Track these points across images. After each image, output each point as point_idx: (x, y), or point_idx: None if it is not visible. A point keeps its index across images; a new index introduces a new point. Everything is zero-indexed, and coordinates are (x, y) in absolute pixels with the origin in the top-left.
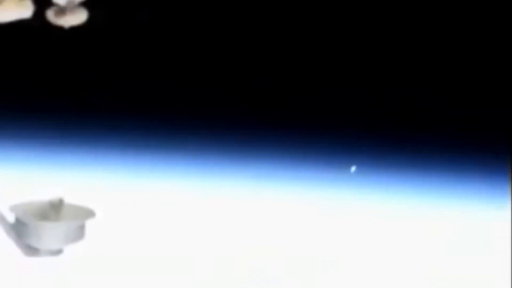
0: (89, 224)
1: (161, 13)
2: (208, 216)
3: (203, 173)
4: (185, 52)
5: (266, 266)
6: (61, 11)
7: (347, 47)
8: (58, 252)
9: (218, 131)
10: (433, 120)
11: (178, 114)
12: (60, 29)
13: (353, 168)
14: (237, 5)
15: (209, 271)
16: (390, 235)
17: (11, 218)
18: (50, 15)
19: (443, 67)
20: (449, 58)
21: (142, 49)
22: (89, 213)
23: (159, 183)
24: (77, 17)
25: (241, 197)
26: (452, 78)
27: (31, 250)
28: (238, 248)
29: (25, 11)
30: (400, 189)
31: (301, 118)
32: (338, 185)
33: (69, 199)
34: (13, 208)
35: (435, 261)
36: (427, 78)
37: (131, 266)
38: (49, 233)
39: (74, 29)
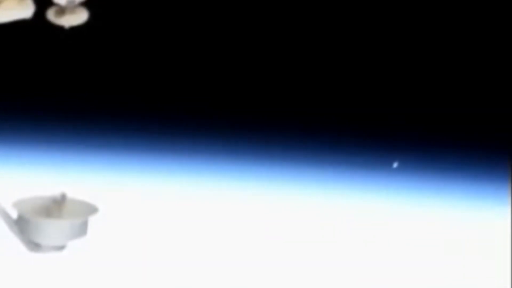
0: (92, 220)
1: (162, 13)
2: (211, 213)
3: (207, 171)
4: (186, 52)
5: (267, 266)
6: (62, 11)
7: (348, 47)
8: (61, 248)
9: (223, 130)
10: (433, 120)
11: (180, 112)
12: (60, 29)
13: (395, 164)
14: (237, 5)
15: (211, 269)
16: (390, 234)
17: (14, 214)
18: (51, 15)
19: (443, 67)
20: (449, 58)
21: (143, 49)
22: (92, 209)
23: (162, 180)
24: (78, 17)
25: (246, 197)
26: (452, 78)
27: (34, 246)
28: (239, 248)
29: (26, 11)
30: (400, 189)
31: (299, 118)
32: (337, 185)
33: (71, 195)
34: (15, 204)
35: (435, 261)
36: (427, 78)
37: (134, 262)
38: (52, 230)
39: (74, 29)
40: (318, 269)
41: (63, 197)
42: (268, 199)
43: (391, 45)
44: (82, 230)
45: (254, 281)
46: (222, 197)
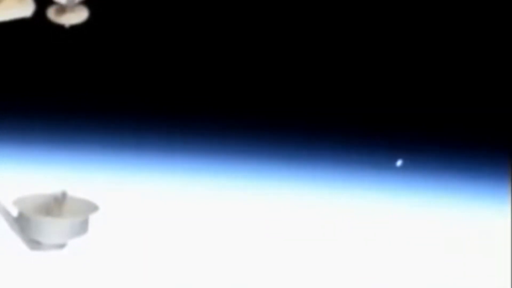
0: (93, 218)
1: (162, 11)
2: (211, 213)
3: (207, 171)
4: (186, 51)
5: (267, 266)
6: (62, 9)
7: (352, 47)
8: (62, 246)
9: (223, 130)
10: (433, 120)
11: (180, 112)
12: (60, 27)
13: (399, 162)
14: (238, 5)
15: (211, 269)
16: (390, 234)
17: (14, 212)
18: (51, 13)
19: (443, 67)
20: (449, 58)
21: (143, 47)
22: (93, 207)
23: (162, 180)
24: (78, 16)
25: (247, 197)
26: (452, 78)
27: (34, 244)
28: (239, 248)
29: (26, 10)
30: (400, 189)
31: (302, 118)
32: (339, 184)
33: (72, 193)
34: (16, 202)
35: (435, 260)
36: (427, 78)
37: (134, 261)
38: (52, 228)
39: (74, 28)
40: (319, 269)
41: (63, 196)
42: (270, 198)
43: (394, 45)
44: (82, 228)
45: (254, 281)
46: (222, 197)
